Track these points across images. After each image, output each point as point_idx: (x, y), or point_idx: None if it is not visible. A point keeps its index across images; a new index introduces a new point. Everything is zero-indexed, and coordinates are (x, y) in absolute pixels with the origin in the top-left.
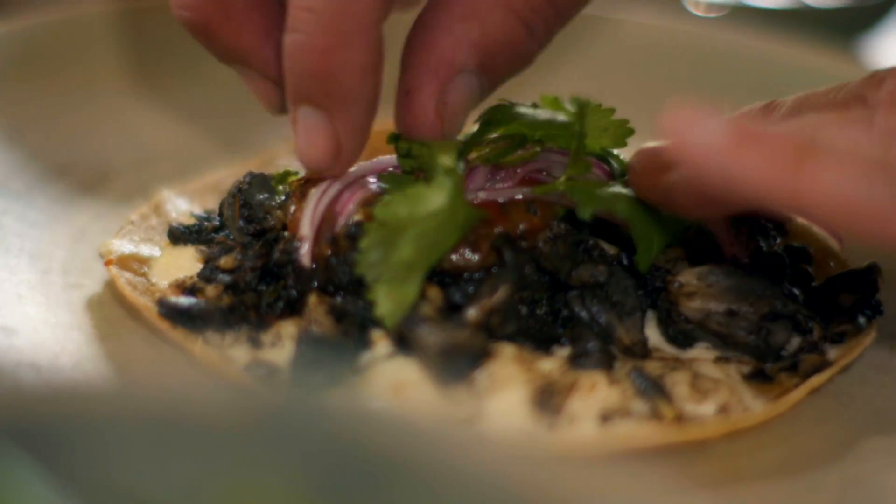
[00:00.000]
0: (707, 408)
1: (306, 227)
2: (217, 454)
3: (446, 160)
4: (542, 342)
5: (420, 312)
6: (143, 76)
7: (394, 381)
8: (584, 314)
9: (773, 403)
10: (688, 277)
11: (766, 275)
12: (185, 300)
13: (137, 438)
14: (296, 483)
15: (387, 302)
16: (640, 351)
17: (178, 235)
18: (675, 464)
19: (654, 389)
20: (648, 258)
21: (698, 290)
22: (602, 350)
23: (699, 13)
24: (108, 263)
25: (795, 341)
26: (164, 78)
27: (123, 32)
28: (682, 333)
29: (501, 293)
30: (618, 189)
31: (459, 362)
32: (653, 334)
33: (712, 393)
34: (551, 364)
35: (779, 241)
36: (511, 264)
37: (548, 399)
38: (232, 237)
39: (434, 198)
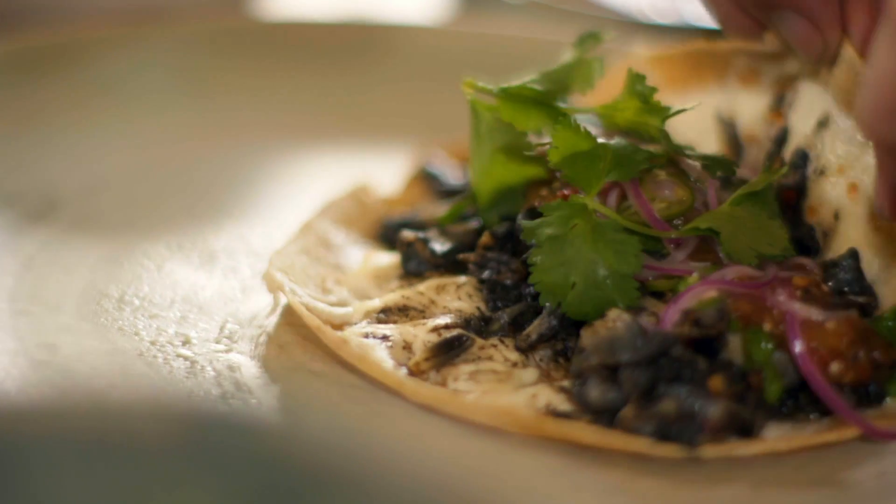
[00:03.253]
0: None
1: None
2: (148, 473)
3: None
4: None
5: None
6: (91, 105)
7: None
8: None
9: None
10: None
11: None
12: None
13: (69, 459)
14: (226, 500)
15: None
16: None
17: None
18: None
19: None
20: None
21: None
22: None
23: None
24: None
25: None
26: (113, 107)
27: (71, 63)
28: None
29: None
30: None
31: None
32: None
33: None
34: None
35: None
36: None
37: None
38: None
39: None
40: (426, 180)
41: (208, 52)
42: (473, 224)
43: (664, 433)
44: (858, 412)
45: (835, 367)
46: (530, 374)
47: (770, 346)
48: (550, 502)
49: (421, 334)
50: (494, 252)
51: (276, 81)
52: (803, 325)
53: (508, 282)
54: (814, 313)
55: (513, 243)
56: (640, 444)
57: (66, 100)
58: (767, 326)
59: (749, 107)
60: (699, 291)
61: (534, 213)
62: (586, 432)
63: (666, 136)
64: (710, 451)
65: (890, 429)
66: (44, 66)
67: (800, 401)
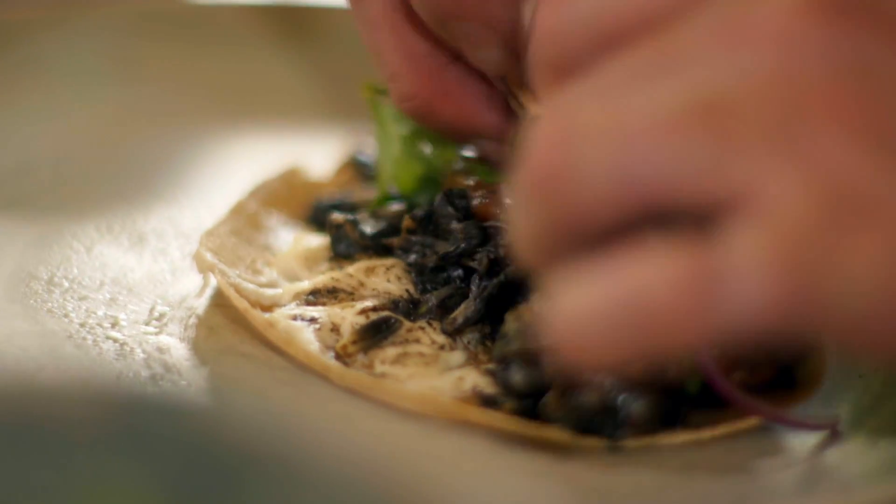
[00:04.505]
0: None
1: None
2: (77, 455)
3: None
4: None
5: None
6: (18, 88)
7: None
8: None
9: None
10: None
11: None
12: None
13: None
14: (154, 485)
15: None
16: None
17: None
18: None
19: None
20: None
21: None
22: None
23: None
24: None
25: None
26: (41, 89)
27: None
28: None
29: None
30: None
31: None
32: None
33: None
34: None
35: None
36: None
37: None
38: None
39: None
40: (356, 167)
41: (137, 35)
42: (404, 207)
43: (586, 425)
44: (770, 407)
45: (736, 375)
46: (457, 357)
47: None
48: (477, 484)
49: (349, 316)
50: (418, 235)
51: (205, 64)
52: None
53: (433, 264)
54: None
55: (434, 225)
56: (562, 435)
57: None
58: None
59: None
60: None
61: (451, 196)
62: (509, 422)
63: None
64: (632, 442)
65: (804, 419)
66: None
67: None
